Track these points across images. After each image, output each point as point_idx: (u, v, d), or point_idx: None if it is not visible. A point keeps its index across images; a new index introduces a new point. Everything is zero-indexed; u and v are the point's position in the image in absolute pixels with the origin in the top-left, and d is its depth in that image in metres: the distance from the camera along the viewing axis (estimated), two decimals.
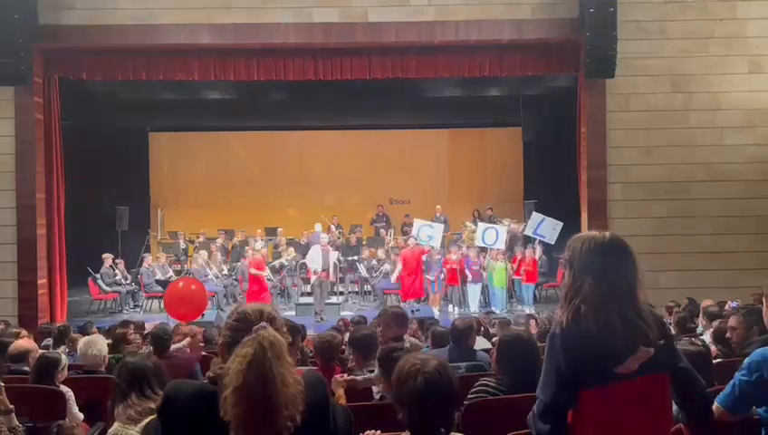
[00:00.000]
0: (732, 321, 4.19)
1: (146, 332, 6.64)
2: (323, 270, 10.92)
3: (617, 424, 1.98)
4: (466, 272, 11.24)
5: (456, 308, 11.23)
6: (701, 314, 6.14)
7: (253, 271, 11.19)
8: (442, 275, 11.33)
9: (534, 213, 11.43)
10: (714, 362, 3.59)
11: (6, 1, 9.01)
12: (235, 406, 1.62)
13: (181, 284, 9.04)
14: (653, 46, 9.82)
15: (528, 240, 11.69)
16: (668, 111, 9.88)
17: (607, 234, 2.10)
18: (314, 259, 11.03)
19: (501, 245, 11.27)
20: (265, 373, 1.64)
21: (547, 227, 10.93)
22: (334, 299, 11.81)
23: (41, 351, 5.11)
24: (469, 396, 3.15)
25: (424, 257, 11.30)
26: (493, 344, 6.22)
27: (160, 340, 5.10)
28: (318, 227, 12.46)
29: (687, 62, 9.87)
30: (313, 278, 11.04)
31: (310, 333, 6.74)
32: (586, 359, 1.96)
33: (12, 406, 3.32)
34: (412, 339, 4.78)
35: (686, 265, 9.51)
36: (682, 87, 9.89)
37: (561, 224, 10.82)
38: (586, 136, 9.98)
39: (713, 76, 9.88)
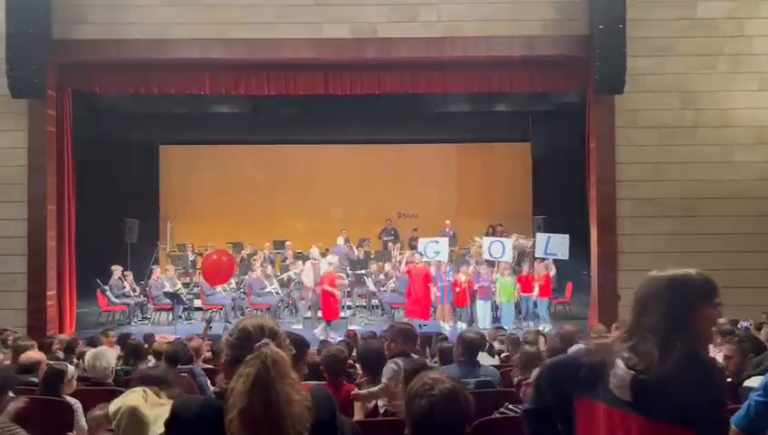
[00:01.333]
0: (726, 350, 4.10)
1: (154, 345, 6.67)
2: (317, 284, 10.92)
3: None
4: (476, 287, 11.18)
5: (465, 325, 11.15)
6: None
7: (326, 287, 10.65)
8: (452, 290, 11.26)
9: (539, 234, 11.42)
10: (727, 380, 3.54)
11: (21, 16, 9.16)
12: (242, 428, 1.62)
13: (215, 256, 10.56)
14: (662, 63, 9.83)
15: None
16: (677, 127, 9.87)
17: (692, 271, 2.02)
18: (307, 276, 11.04)
19: (507, 257, 11.24)
20: (269, 394, 1.63)
21: (556, 244, 10.90)
22: (341, 313, 11.78)
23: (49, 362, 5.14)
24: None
25: (432, 271, 11.29)
26: (502, 361, 6.19)
27: (175, 355, 5.13)
28: (340, 240, 12.45)
29: (696, 79, 9.87)
30: (310, 295, 11.05)
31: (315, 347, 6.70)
32: (583, 367, 1.97)
33: None
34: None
35: None
36: (691, 104, 9.88)
37: (567, 236, 10.83)
38: (595, 152, 9.97)
39: (722, 93, 9.87)
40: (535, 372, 2.14)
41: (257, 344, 1.72)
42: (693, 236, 9.65)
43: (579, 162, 10.69)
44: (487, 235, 13.15)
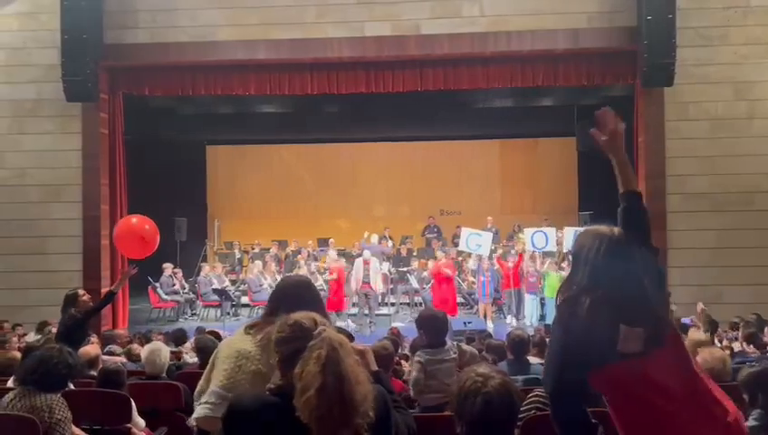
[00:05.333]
0: None
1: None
2: (365, 282, 10.96)
3: (645, 399, 1.96)
4: (523, 277, 11.03)
5: (514, 319, 11.05)
6: (767, 332, 5.90)
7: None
8: (491, 280, 11.16)
9: (566, 228, 11.19)
10: None
11: (75, 23, 9.46)
12: (318, 408, 1.65)
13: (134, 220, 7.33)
14: (714, 53, 9.52)
15: None
16: (731, 119, 9.54)
17: (615, 230, 2.12)
18: (356, 277, 11.09)
19: (552, 247, 11.06)
20: (341, 372, 1.68)
21: None
22: (385, 310, 11.83)
23: (104, 357, 5.32)
24: (522, 409, 3.10)
25: (471, 264, 11.22)
26: None
27: (206, 349, 5.19)
28: (374, 238, 12.53)
29: (751, 69, 9.53)
30: (354, 293, 11.14)
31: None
32: (582, 341, 1.97)
33: None
34: (467, 347, 4.68)
35: (752, 280, 9.13)
36: (745, 94, 9.54)
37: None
38: (644, 146, 9.73)
39: None
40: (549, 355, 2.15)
41: (318, 330, 1.77)
42: (746, 231, 9.32)
43: (627, 156, 10.43)
44: (514, 232, 13.04)
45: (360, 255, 11.52)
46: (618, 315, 1.95)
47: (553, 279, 10.96)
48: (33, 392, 3.27)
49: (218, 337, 7.03)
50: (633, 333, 1.93)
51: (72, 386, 3.98)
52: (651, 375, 1.95)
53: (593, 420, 2.05)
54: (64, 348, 3.58)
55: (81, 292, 5.90)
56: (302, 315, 1.89)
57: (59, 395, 3.33)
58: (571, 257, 2.15)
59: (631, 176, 2.21)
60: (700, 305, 7.62)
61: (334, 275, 11.19)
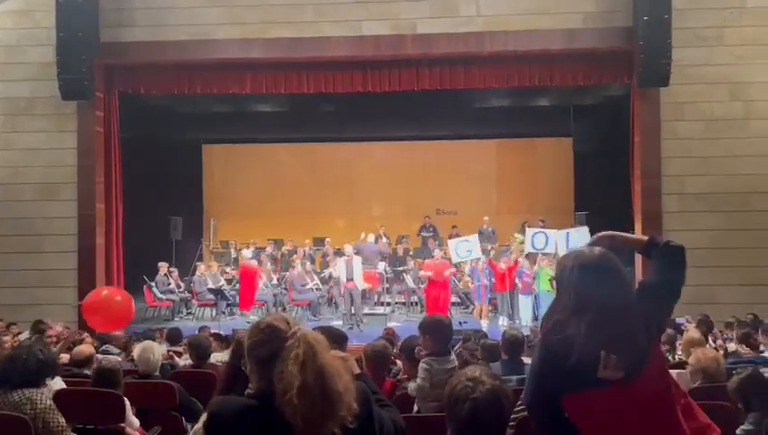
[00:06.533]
0: None
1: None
2: (349, 280, 10.94)
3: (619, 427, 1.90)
4: (516, 281, 11.04)
5: (507, 320, 11.04)
6: (760, 332, 5.91)
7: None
8: (487, 282, 11.16)
9: (559, 232, 11.03)
10: None
11: (71, 20, 9.44)
12: (300, 405, 1.66)
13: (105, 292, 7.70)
14: (710, 54, 9.55)
15: None
16: (727, 119, 9.58)
17: (596, 250, 2.04)
18: (340, 272, 11.11)
19: (551, 249, 11.02)
20: (320, 368, 1.71)
21: (578, 239, 10.55)
22: (380, 310, 11.81)
23: (99, 356, 5.30)
24: (516, 409, 3.09)
25: (467, 270, 11.21)
26: None
27: (200, 348, 5.19)
28: (371, 237, 12.54)
29: (747, 70, 9.56)
30: (341, 289, 11.13)
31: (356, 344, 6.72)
32: (564, 364, 1.89)
33: None
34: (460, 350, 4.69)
35: (747, 280, 9.16)
36: (741, 95, 9.57)
37: (586, 228, 10.51)
38: (639, 146, 9.76)
39: None
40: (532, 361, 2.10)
41: (293, 330, 1.78)
42: (742, 232, 9.36)
43: (622, 157, 10.47)
44: (521, 231, 13.00)
45: (361, 252, 11.52)
46: (601, 341, 1.89)
47: (546, 273, 10.93)
48: (8, 391, 3.26)
49: (222, 339, 7.03)
50: (613, 360, 1.87)
51: (63, 384, 3.98)
52: (632, 401, 1.88)
53: None
54: (35, 346, 3.58)
55: (49, 332, 5.72)
56: (273, 317, 1.88)
57: (39, 389, 3.32)
58: (555, 283, 2.07)
59: (635, 238, 2.21)
60: (688, 319, 7.57)
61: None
